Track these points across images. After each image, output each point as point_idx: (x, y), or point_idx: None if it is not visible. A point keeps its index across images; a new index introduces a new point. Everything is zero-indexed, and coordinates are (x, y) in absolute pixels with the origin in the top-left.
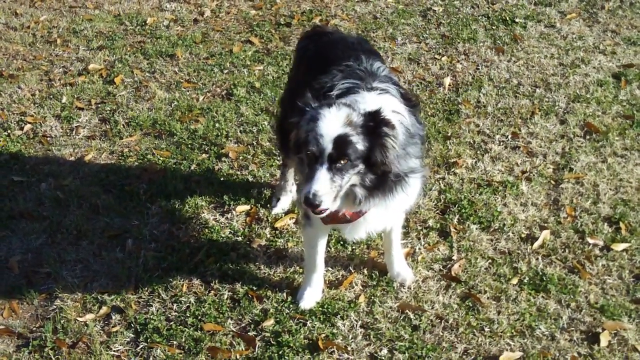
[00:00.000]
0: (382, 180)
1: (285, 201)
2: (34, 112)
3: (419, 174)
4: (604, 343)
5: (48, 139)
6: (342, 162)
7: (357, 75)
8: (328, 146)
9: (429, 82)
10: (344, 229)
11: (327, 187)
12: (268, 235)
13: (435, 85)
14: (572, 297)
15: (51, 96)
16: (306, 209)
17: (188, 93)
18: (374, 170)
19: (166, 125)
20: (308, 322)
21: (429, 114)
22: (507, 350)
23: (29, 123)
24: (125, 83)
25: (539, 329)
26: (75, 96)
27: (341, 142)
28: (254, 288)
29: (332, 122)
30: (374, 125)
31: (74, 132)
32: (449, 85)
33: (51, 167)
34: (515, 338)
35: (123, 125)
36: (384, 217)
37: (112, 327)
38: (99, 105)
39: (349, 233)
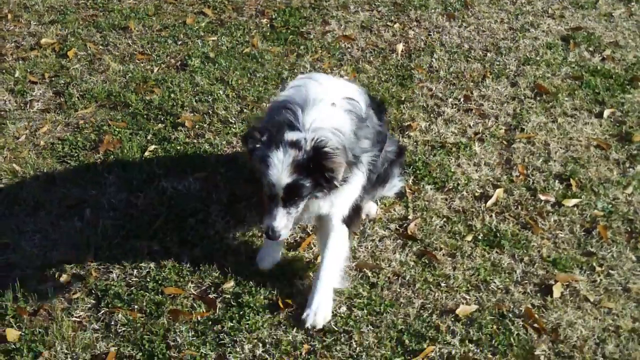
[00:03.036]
0: (333, 190)
1: None
2: None
3: (369, 154)
4: (556, 294)
5: (2, 112)
6: (295, 198)
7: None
8: (280, 192)
9: (382, 48)
10: None
11: (283, 222)
12: (225, 201)
13: (388, 51)
14: (525, 251)
15: (3, 70)
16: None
17: (142, 65)
18: (325, 192)
19: (121, 97)
20: (268, 283)
21: (383, 79)
22: (463, 303)
23: None
24: (79, 56)
25: (494, 283)
26: (29, 70)
27: (292, 188)
28: (214, 252)
29: (281, 171)
30: (318, 164)
31: (28, 105)
32: (402, 51)
33: (6, 140)
34: (470, 292)
35: (77, 97)
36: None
37: (73, 294)
38: (53, 79)
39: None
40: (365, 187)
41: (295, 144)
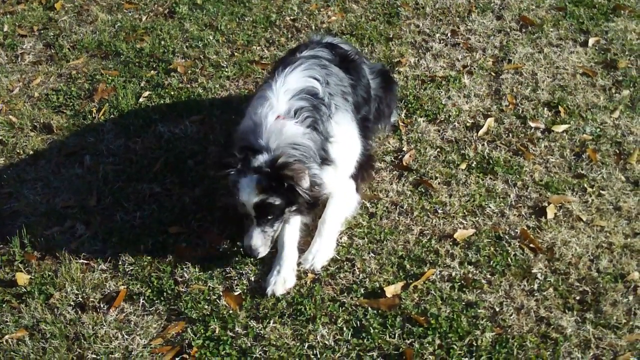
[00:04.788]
0: (310, 202)
1: None
2: None
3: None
4: (550, 215)
5: None
6: (268, 217)
7: (297, 48)
8: (252, 211)
9: None
10: None
11: (261, 240)
12: (222, 142)
13: None
14: (518, 176)
15: None
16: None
17: (130, 14)
18: (300, 207)
19: (112, 46)
20: None
21: (370, 18)
22: (460, 228)
23: None
24: (66, 8)
25: (489, 207)
26: (17, 24)
27: (261, 206)
28: (214, 191)
29: (248, 192)
30: (278, 178)
31: (19, 58)
32: None
33: (0, 93)
34: (467, 217)
35: (68, 49)
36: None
37: (79, 237)
38: (42, 32)
39: None
40: (364, 133)
41: (258, 169)
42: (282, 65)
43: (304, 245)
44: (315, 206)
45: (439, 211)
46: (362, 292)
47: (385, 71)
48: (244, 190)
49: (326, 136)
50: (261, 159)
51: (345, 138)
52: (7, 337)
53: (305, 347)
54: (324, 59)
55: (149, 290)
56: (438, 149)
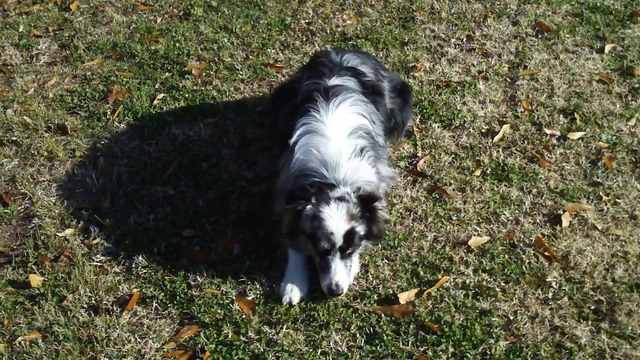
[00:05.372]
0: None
1: None
2: None
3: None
4: (565, 223)
5: (9, 67)
6: (351, 249)
7: (320, 72)
8: (339, 241)
9: None
10: None
11: (345, 275)
12: (237, 145)
13: None
14: (533, 184)
15: (8, 25)
16: (329, 296)
17: (145, 15)
18: (373, 240)
19: (126, 48)
20: None
21: (385, 22)
22: (474, 235)
23: None
24: (81, 9)
25: (504, 214)
26: (32, 24)
27: (350, 235)
28: (228, 194)
29: (339, 221)
30: (369, 209)
31: (34, 59)
32: None
33: (15, 94)
34: (481, 224)
35: (83, 50)
36: None
37: (92, 239)
38: (57, 32)
39: None
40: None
41: (343, 198)
42: (317, 94)
43: None
44: (379, 239)
45: (453, 218)
46: (376, 298)
47: (404, 90)
48: (331, 219)
49: (380, 175)
50: (342, 189)
51: (388, 175)
52: (20, 339)
53: (318, 353)
54: (358, 92)
55: (162, 294)
56: (453, 155)
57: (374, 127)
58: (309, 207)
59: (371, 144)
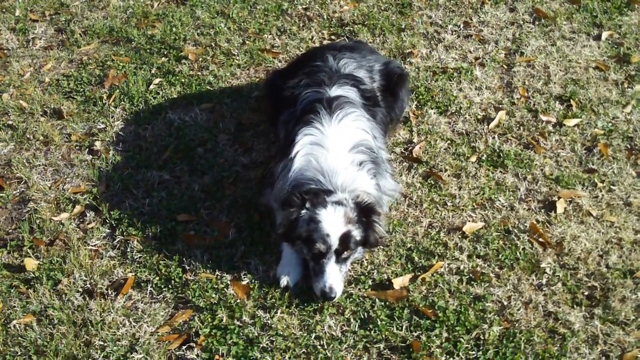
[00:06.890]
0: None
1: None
2: None
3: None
4: (560, 210)
5: (5, 51)
6: (346, 253)
7: (319, 79)
8: (335, 243)
9: None
10: None
11: (339, 279)
12: (232, 130)
13: None
14: (528, 170)
15: (4, 9)
16: (322, 300)
17: (142, 0)
18: (369, 247)
19: (123, 32)
20: None
21: (382, 8)
22: (469, 221)
23: None
24: None
25: (499, 200)
26: (29, 8)
27: (346, 238)
28: (223, 179)
29: (335, 223)
30: (367, 217)
31: (30, 43)
32: None
33: (11, 78)
34: (476, 210)
35: (80, 34)
36: None
37: (88, 224)
38: (53, 17)
39: None
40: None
41: (340, 202)
42: (320, 105)
43: None
44: (375, 247)
45: (448, 204)
46: (370, 283)
47: (399, 81)
48: (327, 221)
49: (383, 190)
50: (340, 195)
51: (391, 188)
52: (14, 322)
53: (312, 338)
54: (359, 106)
55: (157, 278)
56: (448, 141)
57: (376, 142)
58: (304, 211)
59: (372, 158)
